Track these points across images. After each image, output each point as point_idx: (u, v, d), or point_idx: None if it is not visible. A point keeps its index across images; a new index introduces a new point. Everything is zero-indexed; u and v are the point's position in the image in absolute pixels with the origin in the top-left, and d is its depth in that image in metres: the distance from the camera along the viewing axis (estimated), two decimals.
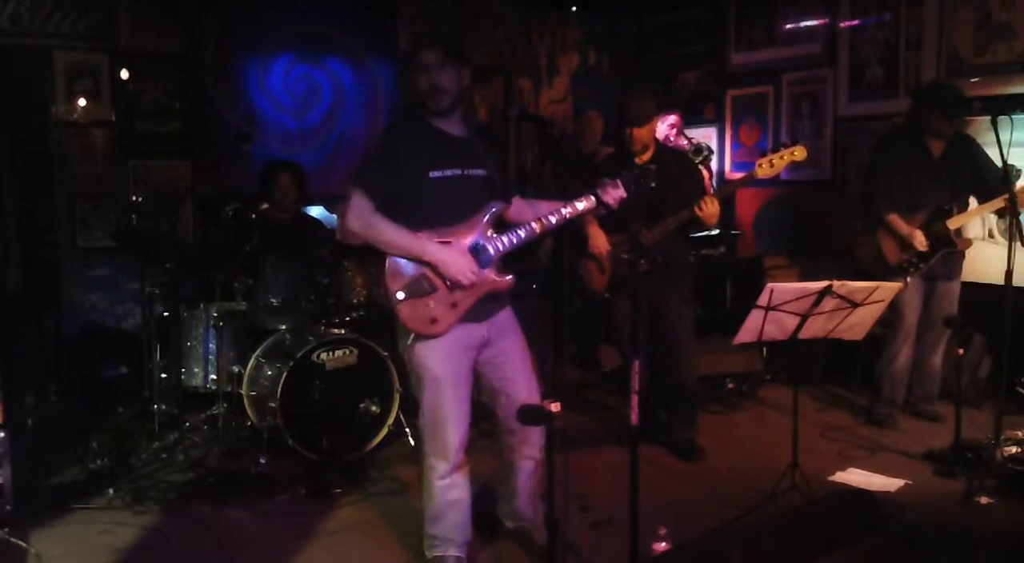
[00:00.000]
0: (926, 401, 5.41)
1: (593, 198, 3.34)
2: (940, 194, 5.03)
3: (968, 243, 5.15)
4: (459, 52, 3.35)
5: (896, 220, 5.06)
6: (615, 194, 3.36)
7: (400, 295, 3.23)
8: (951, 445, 4.51)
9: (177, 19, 6.50)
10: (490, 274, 3.31)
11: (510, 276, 3.36)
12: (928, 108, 5.03)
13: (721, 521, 3.91)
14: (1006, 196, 4.47)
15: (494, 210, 3.32)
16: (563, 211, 3.34)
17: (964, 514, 4.03)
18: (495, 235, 3.32)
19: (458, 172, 3.29)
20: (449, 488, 3.41)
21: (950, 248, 5.03)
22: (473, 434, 4.71)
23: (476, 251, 3.28)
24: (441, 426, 3.35)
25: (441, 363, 3.31)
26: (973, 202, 5.11)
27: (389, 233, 3.23)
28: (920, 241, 4.99)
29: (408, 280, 3.24)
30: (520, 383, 3.47)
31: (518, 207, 3.49)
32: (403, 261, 3.25)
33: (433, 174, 3.25)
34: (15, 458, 3.95)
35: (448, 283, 3.25)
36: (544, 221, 3.32)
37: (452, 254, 3.22)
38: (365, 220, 3.24)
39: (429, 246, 3.21)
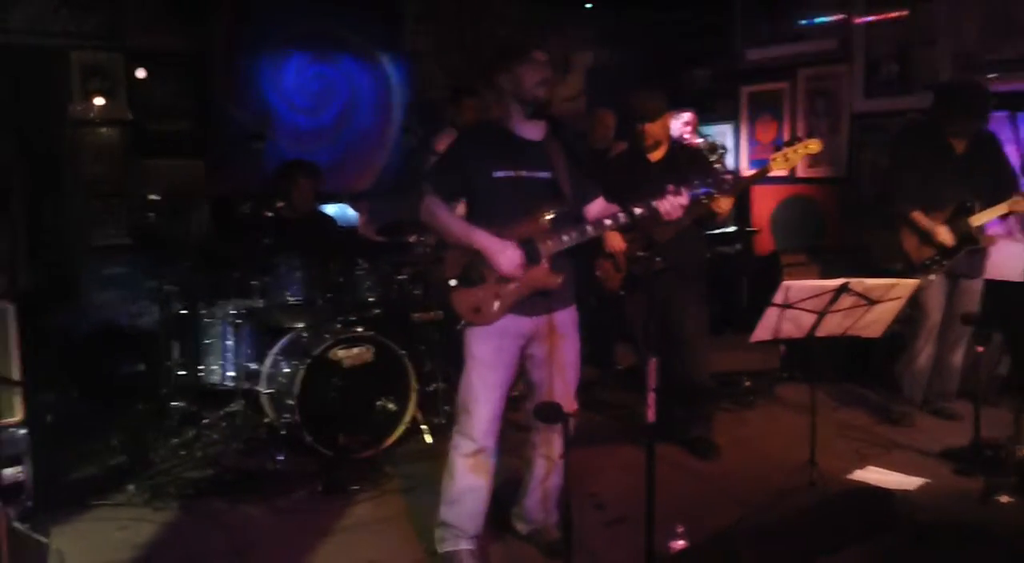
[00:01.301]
0: (944, 399, 5.38)
1: (649, 208, 3.36)
2: (962, 191, 5.00)
3: (992, 241, 5.11)
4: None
5: (919, 216, 5.02)
6: (675, 202, 3.35)
7: (454, 282, 3.38)
8: (970, 443, 4.48)
9: (189, 18, 6.52)
10: (540, 271, 3.37)
11: (561, 275, 3.41)
12: (952, 108, 4.99)
13: (737, 519, 3.91)
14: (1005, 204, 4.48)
15: (554, 210, 3.39)
16: (620, 216, 3.41)
17: (983, 513, 4.01)
18: (549, 234, 3.38)
19: (522, 173, 3.41)
20: (470, 469, 3.45)
21: (974, 245, 5.00)
22: (505, 426, 4.77)
23: (528, 247, 3.35)
24: (471, 405, 3.44)
25: (482, 345, 3.42)
26: None
27: (447, 222, 3.42)
28: (946, 236, 4.96)
29: (462, 269, 3.38)
30: (554, 387, 3.50)
31: (601, 209, 3.58)
32: (459, 252, 3.39)
33: (497, 173, 3.39)
34: (35, 455, 3.99)
35: (497, 276, 3.33)
36: (598, 225, 3.42)
37: (500, 244, 3.32)
38: (432, 213, 3.44)
39: (478, 234, 3.34)
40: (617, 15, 8.41)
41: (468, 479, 3.46)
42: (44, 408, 4.83)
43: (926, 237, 5.02)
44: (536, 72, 3.36)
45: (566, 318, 3.55)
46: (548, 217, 3.37)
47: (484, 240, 3.33)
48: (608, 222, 3.42)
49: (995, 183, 4.98)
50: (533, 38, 3.56)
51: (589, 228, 3.41)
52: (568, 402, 3.46)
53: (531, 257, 3.35)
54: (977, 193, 4.99)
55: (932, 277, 4.99)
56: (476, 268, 3.36)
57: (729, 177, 3.46)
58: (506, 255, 3.31)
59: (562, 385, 3.51)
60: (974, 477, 4.30)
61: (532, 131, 3.47)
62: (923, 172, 5.05)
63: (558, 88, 8.11)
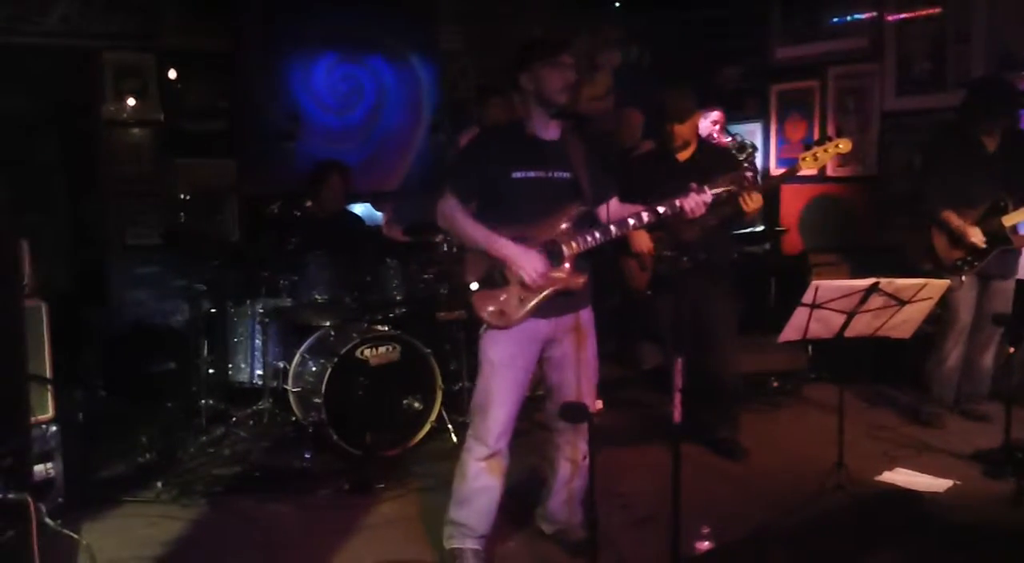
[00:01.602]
0: (975, 400, 5.31)
1: (672, 207, 3.36)
2: (995, 190, 4.93)
3: (1022, 240, 5.03)
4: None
5: (951, 216, 4.95)
6: (698, 199, 3.37)
7: (474, 286, 3.35)
8: (1000, 445, 4.42)
9: (222, 19, 6.57)
10: (562, 272, 3.36)
11: (584, 276, 3.40)
12: (980, 106, 4.94)
13: (764, 521, 3.89)
14: None
15: (575, 211, 3.38)
16: (644, 215, 3.39)
17: (1013, 516, 3.96)
18: (572, 234, 3.37)
19: (542, 174, 3.38)
20: (482, 473, 3.45)
21: (1006, 245, 4.93)
22: (525, 425, 4.78)
23: (550, 249, 3.34)
24: (488, 409, 3.42)
25: (500, 349, 3.40)
26: None
27: (467, 227, 3.36)
28: (977, 237, 4.89)
29: (483, 272, 3.35)
30: (574, 388, 3.49)
31: (616, 209, 3.54)
32: (479, 254, 3.36)
33: (516, 174, 3.36)
34: (66, 452, 4.03)
35: (519, 279, 3.32)
36: (620, 225, 3.39)
37: (522, 252, 3.30)
38: (450, 216, 3.38)
39: (501, 242, 3.31)
40: (648, 14, 8.38)
41: (480, 481, 3.46)
42: (75, 406, 4.87)
43: (957, 237, 4.95)
44: (560, 76, 3.33)
45: (585, 318, 3.54)
46: (569, 218, 3.36)
47: (507, 249, 3.29)
48: (632, 221, 3.40)
49: None
50: (563, 40, 3.50)
51: (613, 228, 3.39)
52: (591, 402, 3.45)
53: (555, 259, 3.34)
54: (1010, 191, 4.92)
55: (963, 278, 4.92)
56: (498, 270, 3.34)
57: (750, 175, 3.44)
58: (531, 264, 3.28)
59: (584, 385, 3.50)
60: (1005, 480, 4.25)
61: (550, 131, 3.45)
62: (955, 171, 4.99)
63: (586, 87, 8.10)
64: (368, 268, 5.16)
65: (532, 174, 3.37)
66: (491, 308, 3.34)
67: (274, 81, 6.79)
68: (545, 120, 3.42)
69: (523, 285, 3.33)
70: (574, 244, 3.36)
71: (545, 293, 3.35)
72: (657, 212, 3.38)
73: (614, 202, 3.57)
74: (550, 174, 3.39)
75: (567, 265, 3.37)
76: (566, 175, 3.41)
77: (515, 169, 3.36)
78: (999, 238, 4.91)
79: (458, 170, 3.54)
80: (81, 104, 6.28)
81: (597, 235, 3.38)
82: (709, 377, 4.77)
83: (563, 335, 3.47)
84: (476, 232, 3.35)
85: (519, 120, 3.48)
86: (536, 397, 4.84)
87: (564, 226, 3.37)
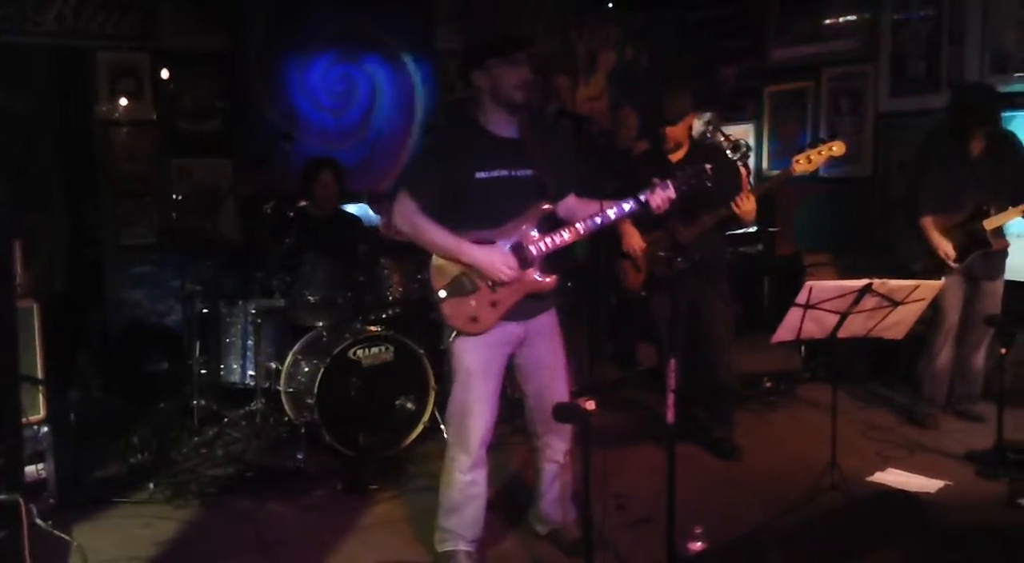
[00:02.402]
0: (968, 401, 5.33)
1: (637, 202, 3.31)
2: (979, 194, 4.95)
3: (1005, 243, 5.05)
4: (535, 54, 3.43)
5: (928, 225, 5.00)
6: (663, 195, 3.32)
7: (442, 293, 3.29)
8: (993, 446, 4.43)
9: (218, 19, 6.57)
10: (532, 274, 3.33)
11: (553, 276, 3.37)
12: (962, 111, 4.98)
13: (759, 521, 3.89)
14: None
15: (540, 211, 3.34)
16: (609, 213, 3.33)
17: (1006, 516, 3.97)
18: (539, 235, 3.33)
19: (504, 173, 3.32)
20: (470, 484, 3.44)
21: (986, 249, 4.95)
22: (506, 430, 4.78)
23: (518, 251, 3.30)
24: (466, 418, 3.40)
25: (474, 356, 3.37)
26: None
27: (432, 234, 3.28)
28: (947, 252, 4.93)
29: (450, 279, 3.29)
30: (552, 389, 3.48)
31: (572, 205, 3.49)
32: (445, 261, 3.30)
33: (479, 175, 3.29)
34: (58, 452, 4.03)
35: (489, 283, 3.28)
36: (588, 223, 3.32)
37: (490, 254, 3.25)
38: (411, 220, 3.30)
39: (467, 248, 3.25)
40: (645, 14, 8.39)
41: (467, 491, 3.44)
42: (68, 406, 4.87)
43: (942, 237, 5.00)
44: (516, 73, 3.25)
45: (552, 320, 3.53)
46: (534, 219, 3.31)
47: (475, 253, 3.24)
48: (598, 219, 3.31)
49: (1018, 185, 4.92)
50: (518, 37, 3.41)
51: (580, 227, 3.32)
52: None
53: (524, 262, 3.29)
54: (995, 195, 4.93)
55: (945, 279, 4.93)
56: (467, 276, 3.28)
57: (708, 168, 3.38)
58: (496, 264, 3.23)
59: (560, 387, 3.50)
60: (998, 480, 4.25)
61: (509, 128, 3.37)
62: (940, 175, 5.03)
63: (582, 88, 8.10)
64: (362, 268, 5.16)
65: (496, 174, 3.30)
66: (463, 315, 3.29)
67: (270, 81, 6.79)
68: (504, 118, 3.34)
69: (493, 290, 3.29)
70: (542, 246, 3.32)
71: (516, 296, 3.32)
72: (623, 209, 3.33)
73: (573, 199, 3.50)
74: (513, 173, 3.33)
75: (535, 267, 3.33)
76: (528, 173, 3.35)
77: (478, 170, 3.29)
78: (979, 242, 4.94)
79: (416, 172, 3.45)
80: (77, 104, 6.27)
81: (565, 235, 3.32)
82: (704, 377, 4.77)
83: (535, 337, 3.46)
84: (441, 238, 3.27)
85: (475, 119, 3.39)
86: (514, 399, 4.86)
87: (529, 227, 3.31)
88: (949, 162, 5.02)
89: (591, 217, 3.32)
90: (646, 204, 3.31)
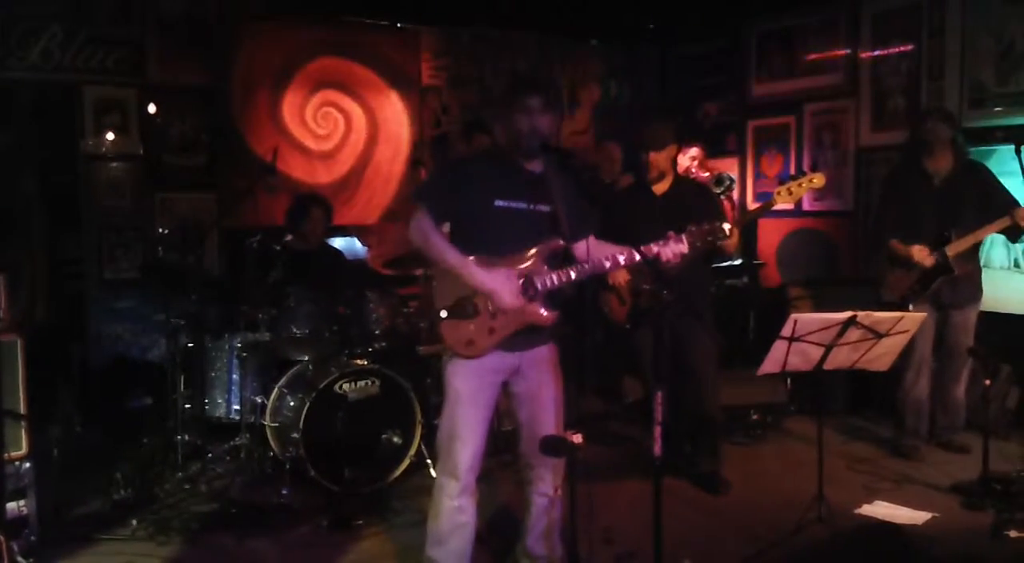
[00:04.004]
0: (952, 432, 5.35)
1: (648, 254, 3.30)
2: (941, 222, 5.02)
3: (967, 269, 5.08)
4: (558, 101, 3.48)
5: (896, 244, 5.09)
6: (675, 249, 3.32)
7: (444, 313, 3.32)
8: (979, 477, 4.45)
9: (204, 53, 6.60)
10: (534, 307, 3.34)
11: (554, 312, 3.38)
12: (921, 122, 5.10)
13: (746, 554, 3.88)
14: (1008, 217, 4.59)
15: (551, 246, 3.36)
16: (619, 258, 3.37)
17: (993, 548, 3.96)
18: (546, 270, 3.35)
19: (523, 205, 3.37)
20: (458, 511, 3.41)
21: (947, 274, 5.00)
22: (494, 464, 4.75)
23: (525, 282, 3.32)
24: (454, 443, 3.39)
25: (465, 382, 3.39)
26: None
27: (441, 250, 3.33)
28: (921, 255, 4.98)
29: (454, 301, 3.32)
30: (545, 422, 3.47)
31: (590, 247, 3.48)
32: (451, 282, 3.32)
33: (499, 203, 3.34)
34: (40, 488, 3.97)
35: (491, 309, 3.30)
36: (594, 265, 3.35)
37: (497, 280, 3.28)
38: (424, 234, 3.34)
39: (474, 269, 3.29)
40: (628, 51, 8.48)
41: (455, 519, 3.42)
42: (49, 442, 4.81)
43: (905, 268, 5.06)
44: (524, 121, 3.30)
45: (549, 353, 3.53)
46: (543, 254, 3.33)
47: (481, 276, 3.27)
48: (608, 263, 3.36)
49: (983, 210, 4.96)
50: (532, 82, 3.46)
51: (587, 267, 3.35)
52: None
53: (528, 294, 3.32)
54: (956, 222, 4.99)
55: (912, 308, 4.97)
56: (470, 300, 3.31)
57: (727, 227, 3.38)
58: (503, 290, 3.27)
59: (554, 419, 3.49)
60: (984, 511, 4.26)
61: (534, 163, 3.43)
62: (902, 203, 5.12)
63: (568, 122, 8.16)
64: (348, 302, 5.15)
65: (514, 205, 3.35)
66: (459, 337, 3.32)
67: (255, 115, 6.81)
68: (525, 156, 3.40)
69: (493, 317, 3.30)
70: (548, 281, 3.34)
71: (515, 326, 3.33)
72: (633, 257, 3.35)
73: (592, 240, 3.53)
74: (531, 206, 3.38)
75: (538, 300, 3.35)
76: (546, 208, 3.39)
77: (498, 198, 3.34)
78: (941, 268, 5.00)
79: (435, 189, 3.51)
80: (62, 138, 6.27)
81: (571, 273, 3.35)
82: (689, 410, 4.77)
83: (529, 369, 3.46)
84: (450, 256, 3.32)
85: (504, 149, 3.46)
86: (503, 433, 4.83)
87: (538, 261, 3.35)
88: (910, 190, 5.10)
89: (599, 260, 3.35)
90: (656, 257, 3.31)
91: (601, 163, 6.99)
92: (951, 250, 4.96)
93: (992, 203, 4.94)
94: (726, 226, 3.39)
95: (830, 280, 6.86)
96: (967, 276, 5.08)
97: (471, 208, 3.35)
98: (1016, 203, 4.82)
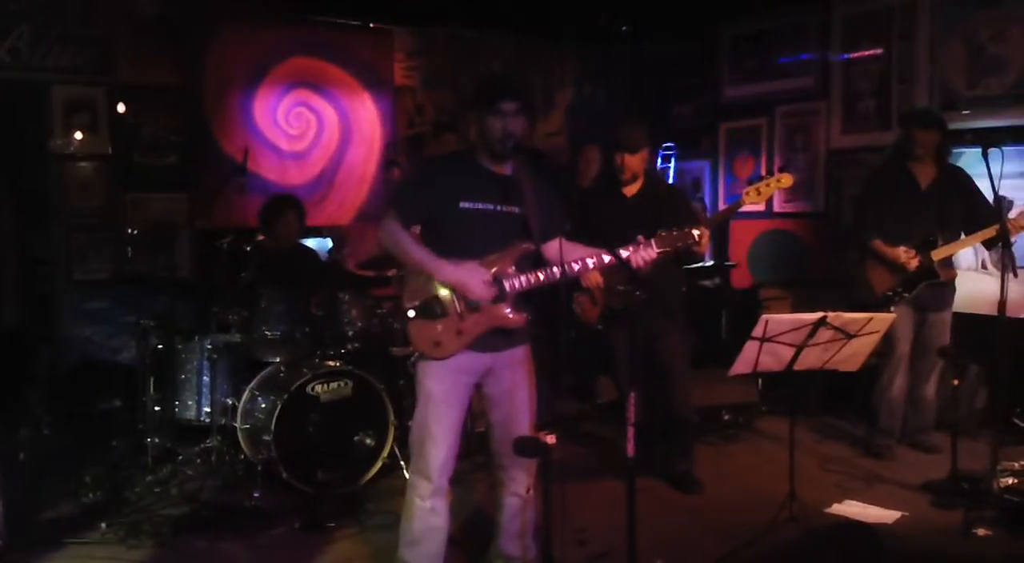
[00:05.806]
0: (922, 432, 5.40)
1: (617, 257, 3.30)
2: (927, 225, 5.06)
3: (952, 274, 5.15)
4: (532, 104, 3.48)
5: (880, 244, 5.11)
6: (644, 255, 3.33)
7: (411, 313, 3.31)
8: (948, 476, 4.49)
9: (175, 53, 6.54)
10: (503, 309, 3.33)
11: (523, 315, 3.37)
12: (908, 126, 5.12)
13: (719, 553, 3.89)
14: (995, 227, 4.53)
15: (520, 248, 3.35)
16: (588, 261, 3.37)
17: (962, 546, 4.01)
18: (515, 273, 3.34)
19: (490, 207, 3.35)
20: (430, 512, 3.40)
21: (933, 279, 5.05)
22: (467, 466, 4.74)
23: (495, 284, 3.30)
24: (426, 443, 3.38)
25: (437, 382, 3.37)
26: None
27: (410, 249, 3.34)
28: (906, 256, 5.01)
29: (421, 301, 3.31)
30: (518, 423, 3.47)
31: (558, 248, 3.43)
32: (420, 282, 3.32)
33: (464, 204, 3.32)
34: (8, 492, 3.93)
35: (459, 311, 3.28)
36: (565, 268, 3.32)
37: (465, 273, 3.27)
38: (392, 236, 3.35)
39: (441, 263, 3.28)
40: (601, 53, 8.51)
41: (427, 520, 3.40)
42: (17, 445, 4.75)
43: (888, 268, 5.09)
44: (497, 124, 3.28)
45: (523, 354, 3.52)
46: (513, 256, 3.33)
47: (450, 271, 3.27)
48: (577, 266, 3.36)
49: (967, 215, 5.03)
50: (506, 84, 3.45)
51: (556, 271, 3.33)
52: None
53: (497, 296, 3.30)
54: (942, 227, 5.04)
55: (893, 309, 5.01)
56: (438, 300, 3.30)
57: (696, 233, 3.39)
58: (475, 279, 3.26)
59: (526, 422, 3.48)
60: (953, 510, 4.30)
61: (503, 165, 3.41)
62: (888, 205, 5.14)
63: (541, 123, 8.17)
64: (321, 303, 5.12)
65: (481, 206, 3.34)
66: (427, 338, 3.31)
67: (227, 115, 6.77)
68: (497, 158, 3.38)
69: (463, 317, 3.30)
70: (517, 283, 3.33)
71: (483, 328, 3.32)
72: (603, 260, 3.36)
73: (563, 242, 3.49)
74: (499, 208, 3.36)
75: (507, 302, 3.34)
76: (515, 210, 3.37)
77: (464, 199, 3.32)
78: (926, 272, 5.04)
79: (404, 193, 3.53)
80: (31, 138, 6.19)
81: (540, 276, 3.34)
82: (662, 410, 4.79)
83: (502, 370, 3.45)
84: (419, 254, 3.32)
85: (471, 150, 3.45)
86: (476, 434, 4.82)
87: (507, 263, 3.33)
88: (897, 193, 5.13)
89: (569, 263, 3.34)
90: (627, 261, 3.30)
91: (580, 167, 6.97)
92: (937, 255, 5.00)
93: (976, 212, 4.99)
94: (695, 231, 3.39)
95: (802, 281, 6.91)
96: (948, 280, 5.14)
97: (437, 209, 3.34)
98: (996, 213, 4.88)
